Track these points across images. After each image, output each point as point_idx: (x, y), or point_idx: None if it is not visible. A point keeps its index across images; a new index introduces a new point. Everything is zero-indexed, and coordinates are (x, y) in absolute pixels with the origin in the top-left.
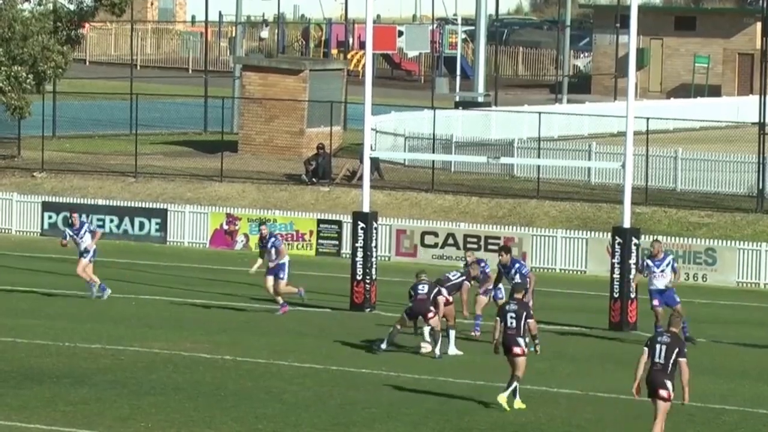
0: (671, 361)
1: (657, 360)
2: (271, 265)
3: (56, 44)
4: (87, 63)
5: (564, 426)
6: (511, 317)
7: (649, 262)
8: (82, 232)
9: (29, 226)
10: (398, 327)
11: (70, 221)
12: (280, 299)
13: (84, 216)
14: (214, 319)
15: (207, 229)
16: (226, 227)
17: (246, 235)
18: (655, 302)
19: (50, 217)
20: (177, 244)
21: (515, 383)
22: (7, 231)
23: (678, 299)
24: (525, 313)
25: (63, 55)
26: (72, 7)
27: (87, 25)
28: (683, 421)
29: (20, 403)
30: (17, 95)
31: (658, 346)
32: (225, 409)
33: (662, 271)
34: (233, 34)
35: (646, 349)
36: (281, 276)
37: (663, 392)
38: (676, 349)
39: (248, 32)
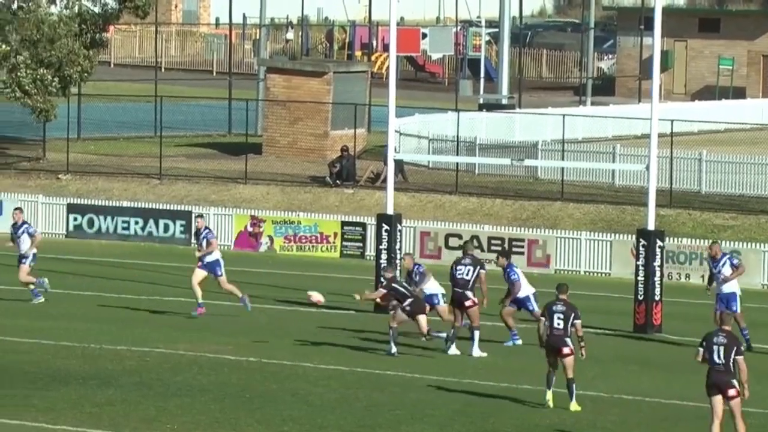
0: (731, 361)
1: (717, 361)
2: (198, 254)
3: (82, 48)
4: (111, 65)
5: (589, 428)
6: (559, 318)
7: (711, 264)
8: (20, 232)
9: (54, 228)
10: (395, 325)
11: (13, 219)
12: (200, 297)
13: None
14: (239, 321)
15: (231, 231)
16: (250, 229)
17: (270, 237)
18: (716, 307)
19: (75, 219)
20: None
21: (573, 385)
22: None
23: (736, 308)
24: (573, 315)
25: (89, 59)
26: (96, 9)
27: (111, 27)
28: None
29: (47, 404)
30: (42, 98)
31: (715, 348)
32: (250, 411)
33: (718, 271)
34: (257, 37)
35: (701, 349)
36: (219, 273)
37: (732, 391)
38: (735, 348)
39: (272, 34)
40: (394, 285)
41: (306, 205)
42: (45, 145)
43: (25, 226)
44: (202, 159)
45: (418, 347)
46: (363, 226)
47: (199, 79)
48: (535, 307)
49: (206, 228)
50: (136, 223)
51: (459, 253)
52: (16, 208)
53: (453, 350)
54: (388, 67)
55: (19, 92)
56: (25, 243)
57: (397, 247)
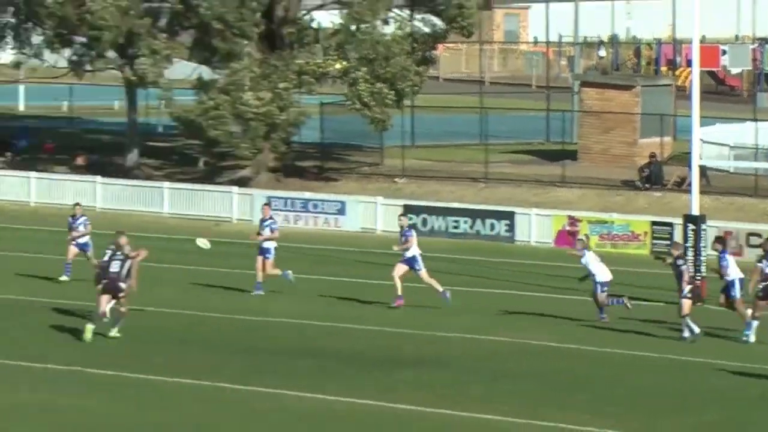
0: None
1: None
2: (397, 249)
3: (413, 65)
4: (440, 80)
5: None
6: None
7: None
8: (264, 225)
9: (392, 227)
10: (687, 313)
11: (262, 213)
12: (399, 291)
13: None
14: (559, 311)
15: (550, 230)
16: (568, 228)
17: (587, 236)
18: None
19: (410, 219)
20: (524, 244)
21: None
22: (371, 231)
23: None
24: None
25: (419, 74)
26: (427, 29)
27: (440, 45)
28: None
29: (388, 385)
30: (380, 109)
31: None
32: (574, 394)
33: None
34: (572, 54)
35: None
36: (418, 268)
37: None
38: None
39: (585, 52)
40: (678, 263)
41: (618, 207)
42: (383, 152)
43: (270, 221)
44: (523, 164)
45: (721, 337)
46: (671, 225)
47: (520, 92)
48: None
49: (409, 227)
50: (465, 222)
51: (759, 251)
52: (264, 204)
53: (753, 338)
54: (690, 81)
55: (359, 104)
56: (264, 234)
57: (702, 245)
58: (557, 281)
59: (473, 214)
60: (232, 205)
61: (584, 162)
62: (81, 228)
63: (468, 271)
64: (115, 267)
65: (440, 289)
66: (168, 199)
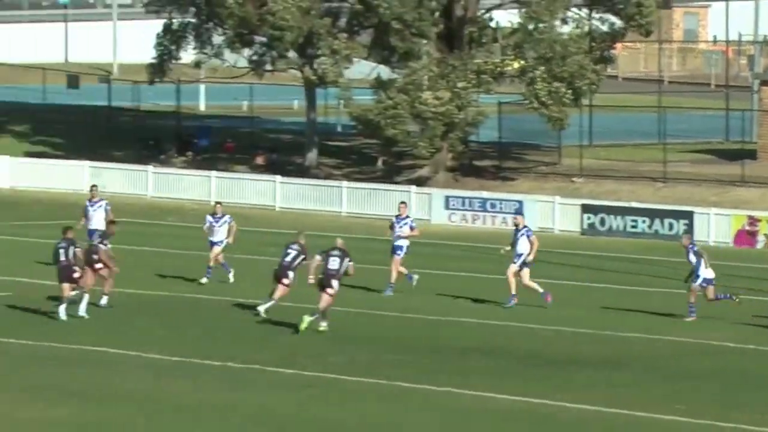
0: None
1: None
2: (533, 258)
3: (590, 63)
4: (619, 79)
5: None
6: None
7: None
8: (402, 224)
9: (569, 226)
10: None
11: (399, 211)
12: (538, 288)
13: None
14: (736, 311)
15: (729, 230)
16: (747, 228)
17: (766, 235)
18: None
19: (589, 218)
20: (703, 244)
21: None
22: (549, 230)
23: None
24: None
25: (596, 73)
26: (605, 28)
27: (618, 44)
28: None
29: (565, 385)
30: (557, 108)
31: None
32: (755, 394)
33: None
34: (752, 52)
35: None
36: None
37: None
38: None
39: (765, 50)
40: None
41: None
42: (560, 151)
43: (409, 219)
44: (702, 164)
45: None
46: None
47: (698, 91)
48: None
49: (525, 226)
50: (643, 221)
51: None
52: (401, 203)
53: None
54: None
55: (537, 103)
56: (402, 231)
57: None
58: (735, 281)
59: (652, 214)
60: (410, 204)
61: (764, 161)
62: (224, 228)
63: (646, 271)
64: (333, 264)
65: (514, 293)
66: (346, 199)
